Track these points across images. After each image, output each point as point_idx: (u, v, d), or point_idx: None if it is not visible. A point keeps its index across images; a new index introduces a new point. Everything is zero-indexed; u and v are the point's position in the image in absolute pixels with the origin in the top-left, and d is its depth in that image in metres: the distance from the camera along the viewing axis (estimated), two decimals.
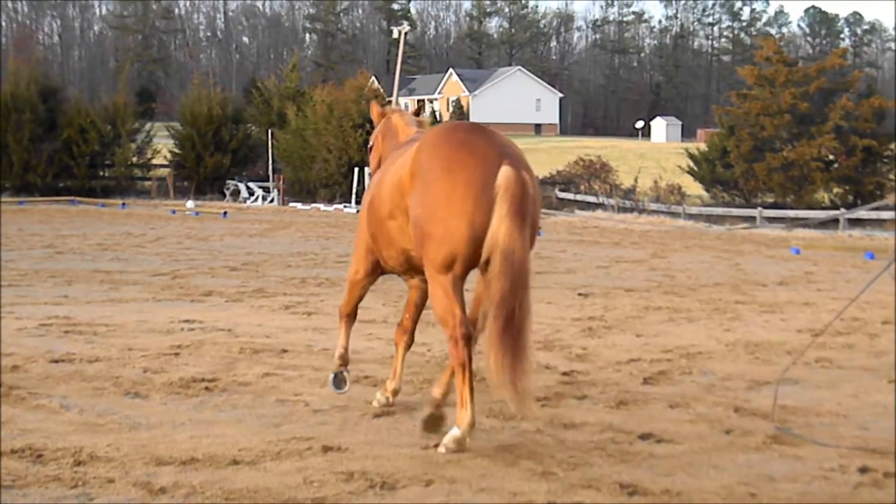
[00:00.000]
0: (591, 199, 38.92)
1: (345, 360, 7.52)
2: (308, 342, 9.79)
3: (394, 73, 41.18)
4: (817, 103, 38.75)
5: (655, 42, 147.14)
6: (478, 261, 6.09)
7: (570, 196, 39.76)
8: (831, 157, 37.80)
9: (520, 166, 6.06)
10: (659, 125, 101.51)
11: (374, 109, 8.36)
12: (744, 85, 43.44)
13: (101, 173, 43.57)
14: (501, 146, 6.20)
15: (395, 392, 7.40)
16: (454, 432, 6.25)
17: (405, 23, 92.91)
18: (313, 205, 38.57)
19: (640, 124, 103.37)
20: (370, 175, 8.82)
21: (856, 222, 32.04)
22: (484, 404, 7.29)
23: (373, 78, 54.08)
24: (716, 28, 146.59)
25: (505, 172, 5.97)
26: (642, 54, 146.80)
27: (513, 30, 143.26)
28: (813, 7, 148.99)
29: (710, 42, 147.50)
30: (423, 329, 10.83)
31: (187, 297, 12.96)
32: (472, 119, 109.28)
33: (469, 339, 6.26)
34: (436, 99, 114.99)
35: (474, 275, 6.40)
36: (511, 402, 5.94)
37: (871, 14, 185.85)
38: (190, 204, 37.05)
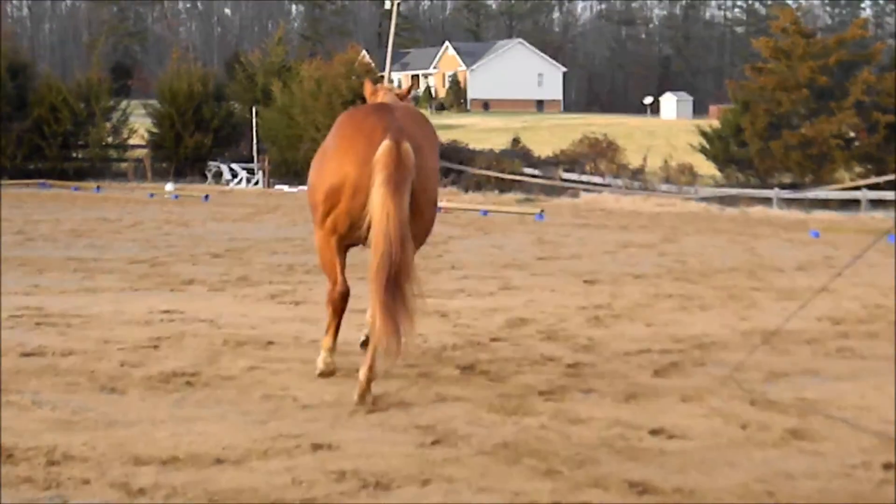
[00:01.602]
0: (597, 180, 38.93)
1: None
2: (296, 333, 9.78)
3: (386, 47, 41.10)
4: (837, 77, 38.75)
5: (665, 12, 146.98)
6: (361, 225, 7.22)
7: (574, 177, 39.78)
8: (852, 134, 37.85)
9: (402, 140, 7.13)
10: (669, 101, 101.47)
11: (368, 87, 8.99)
12: (759, 58, 43.47)
13: (75, 154, 43.58)
14: (392, 123, 7.28)
15: (365, 342, 8.43)
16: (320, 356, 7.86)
17: None
18: (300, 187, 38.53)
19: (648, 100, 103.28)
20: None
21: (878, 203, 32.06)
22: (483, 399, 7.29)
23: (363, 52, 54.07)
24: None
25: (383, 146, 7.10)
26: (651, 25, 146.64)
27: (512, 0, 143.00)
28: None
29: (722, 12, 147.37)
30: (419, 319, 10.82)
31: (167, 286, 12.94)
32: (471, 96, 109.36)
33: (344, 294, 7.71)
34: (431, 74, 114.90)
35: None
36: (393, 355, 6.96)
37: None
38: (169, 187, 37.02)
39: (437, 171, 7.91)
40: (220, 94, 45.94)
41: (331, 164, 7.48)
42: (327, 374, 7.89)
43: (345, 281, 7.72)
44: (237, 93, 46.97)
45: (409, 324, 6.98)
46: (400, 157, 7.10)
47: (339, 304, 7.77)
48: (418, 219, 7.36)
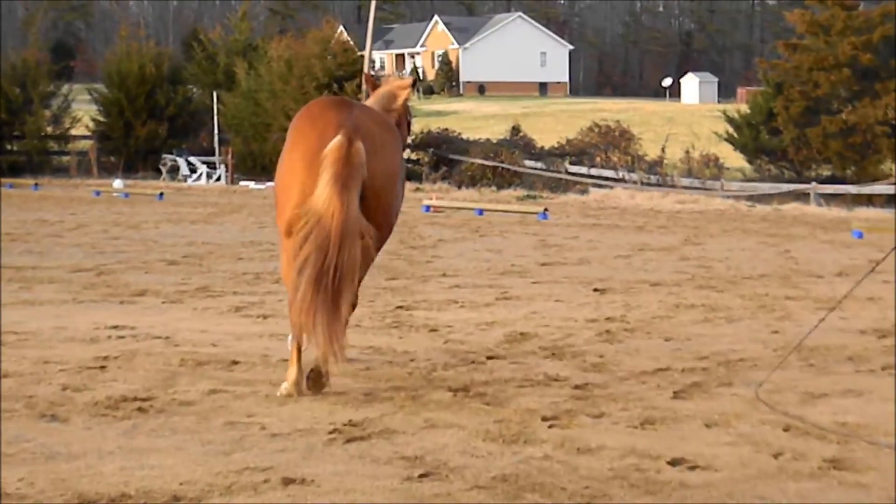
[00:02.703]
0: (609, 173, 38.96)
1: None
2: (264, 351, 9.78)
3: (366, 22, 41.14)
4: (882, 55, 38.82)
5: None
6: None
7: (582, 170, 39.81)
8: None
9: (354, 138, 7.71)
10: (690, 83, 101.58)
11: (369, 82, 9.91)
12: (793, 33, 43.58)
13: (9, 147, 43.51)
14: (347, 118, 7.87)
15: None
16: (283, 386, 8.13)
17: None
18: (269, 184, 38.48)
19: (667, 82, 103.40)
20: None
21: None
22: (479, 426, 7.30)
23: (341, 28, 54.08)
24: None
25: (332, 142, 7.69)
26: None
27: None
28: None
29: None
30: (406, 334, 10.86)
31: (115, 298, 12.93)
32: (464, 79, 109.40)
33: None
34: (418, 53, 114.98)
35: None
36: (322, 361, 7.76)
37: None
38: (118, 183, 36.99)
39: (395, 177, 8.31)
40: (176, 76, 45.91)
41: (284, 160, 8.08)
42: (287, 395, 8.11)
43: None
44: (196, 75, 46.97)
45: (337, 331, 7.60)
46: (349, 155, 7.67)
47: None
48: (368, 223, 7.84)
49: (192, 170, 41.58)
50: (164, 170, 42.20)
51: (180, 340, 10.28)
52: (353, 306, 8.41)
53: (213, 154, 42.44)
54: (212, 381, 8.60)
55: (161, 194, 33.42)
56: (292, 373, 8.13)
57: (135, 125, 43.49)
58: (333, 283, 7.57)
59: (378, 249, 8.27)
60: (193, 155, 42.81)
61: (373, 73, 43.20)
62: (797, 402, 8.21)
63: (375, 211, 7.97)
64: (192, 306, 12.45)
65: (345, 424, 7.31)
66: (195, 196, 34.74)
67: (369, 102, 9.46)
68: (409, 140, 10.74)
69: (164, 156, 42.84)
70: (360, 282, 8.21)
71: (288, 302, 8.16)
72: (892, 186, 33.30)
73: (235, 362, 9.30)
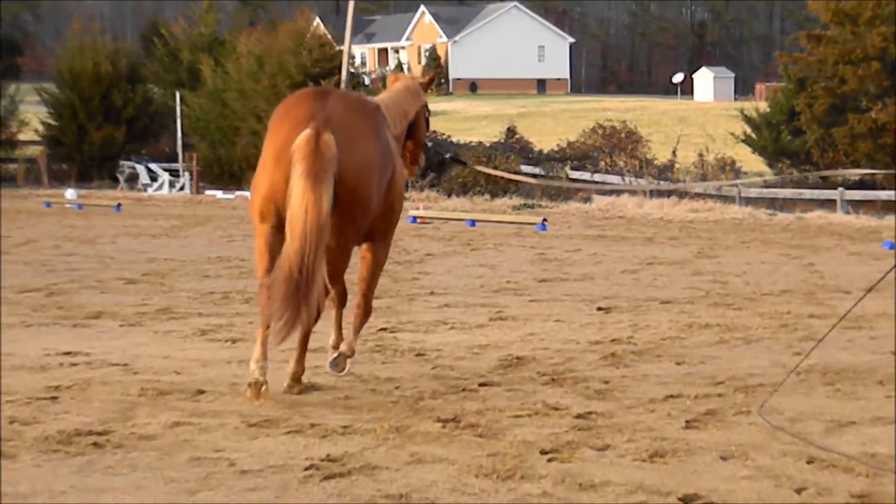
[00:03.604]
0: (615, 179, 39.01)
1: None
2: (232, 379, 9.77)
3: (345, 13, 41.16)
4: None
5: None
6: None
7: (585, 176, 39.84)
8: None
9: (324, 129, 8.45)
10: (704, 79, 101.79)
11: (390, 77, 11.02)
12: (817, 23, 43.63)
13: None
14: (319, 110, 8.62)
15: (336, 345, 9.89)
16: (251, 367, 8.76)
17: None
18: (238, 193, 38.51)
19: (678, 78, 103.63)
20: None
21: None
22: (471, 460, 7.31)
23: (317, 20, 54.09)
24: None
25: (301, 136, 8.43)
26: None
27: None
28: None
29: None
30: (390, 360, 10.87)
31: (68, 321, 12.91)
32: (454, 75, 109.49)
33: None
34: (403, 48, 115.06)
35: None
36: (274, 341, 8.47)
37: None
38: (70, 194, 36.97)
39: (373, 168, 8.94)
40: (134, 75, 45.93)
41: (261, 154, 8.91)
42: (255, 386, 8.71)
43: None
44: (157, 73, 47.00)
45: (302, 330, 8.63)
46: (318, 148, 8.43)
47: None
48: (342, 220, 8.71)
49: (153, 178, 41.56)
50: (121, 178, 42.18)
51: (140, 368, 10.27)
52: (367, 313, 9.97)
53: (176, 160, 42.42)
54: (175, 412, 8.60)
55: (118, 205, 33.39)
56: (257, 351, 8.73)
57: (89, 129, 43.48)
58: (306, 275, 8.30)
59: (350, 242, 9.19)
60: (154, 161, 42.79)
61: (352, 70, 43.16)
62: (822, 431, 8.23)
63: (350, 205, 8.73)
64: (152, 329, 12.44)
65: (322, 460, 7.32)
66: (156, 207, 34.71)
67: (385, 97, 10.27)
68: (427, 142, 11.18)
69: (122, 163, 42.83)
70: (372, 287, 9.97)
71: (259, 287, 8.95)
72: None
73: (201, 391, 9.30)
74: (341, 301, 10.04)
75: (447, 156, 25.36)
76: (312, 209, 8.34)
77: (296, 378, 9.17)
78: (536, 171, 40.33)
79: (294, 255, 8.35)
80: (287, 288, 8.32)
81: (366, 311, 10.01)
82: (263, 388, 8.68)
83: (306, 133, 8.48)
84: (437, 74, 10.79)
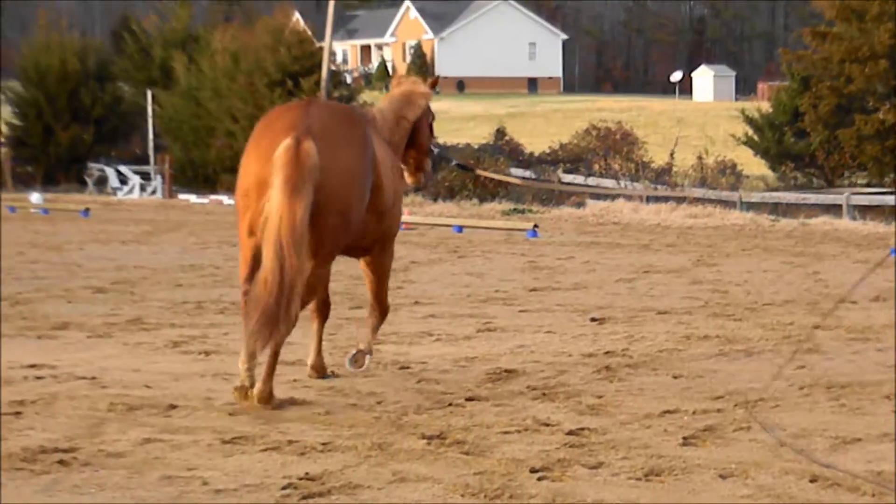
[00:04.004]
0: (609, 183, 39.06)
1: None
2: (206, 394, 9.77)
3: (326, 8, 41.14)
4: None
5: None
6: None
7: (578, 180, 39.89)
8: None
9: (304, 138, 8.90)
10: (704, 77, 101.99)
11: (394, 80, 11.54)
12: (822, 20, 43.72)
13: None
14: (302, 119, 9.11)
15: (315, 367, 10.34)
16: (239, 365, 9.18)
17: None
18: (213, 197, 38.51)
19: (676, 76, 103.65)
20: None
21: None
22: (457, 479, 7.32)
23: (297, 15, 54.05)
24: None
25: (281, 146, 8.87)
26: None
27: None
28: None
29: None
30: (372, 373, 10.86)
31: (33, 332, 12.89)
32: (440, 74, 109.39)
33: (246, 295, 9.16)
34: (387, 44, 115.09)
35: None
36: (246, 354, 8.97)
37: None
38: (36, 198, 36.89)
39: (355, 176, 9.36)
40: (103, 72, 45.86)
41: (243, 163, 9.32)
42: (241, 390, 9.15)
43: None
44: (127, 71, 46.94)
45: (273, 339, 8.88)
46: (298, 157, 8.86)
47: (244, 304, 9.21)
48: (322, 228, 9.12)
49: (123, 181, 41.52)
50: (89, 181, 42.13)
51: (108, 381, 10.26)
52: (383, 314, 10.74)
53: (148, 162, 42.41)
54: (145, 428, 8.59)
55: (86, 210, 33.33)
56: (243, 353, 9.11)
57: (56, 129, 43.42)
58: (283, 286, 8.72)
59: (329, 249, 9.49)
60: (124, 164, 42.76)
61: (333, 67, 43.14)
62: (826, 448, 8.25)
63: (328, 212, 9.14)
64: (122, 341, 12.42)
65: (301, 478, 7.32)
66: (126, 212, 34.66)
67: (383, 105, 10.88)
68: (434, 148, 11.59)
69: (90, 165, 42.77)
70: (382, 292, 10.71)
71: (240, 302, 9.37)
72: None
73: (173, 406, 9.29)
74: (322, 313, 10.35)
75: (454, 163, 25.55)
76: (287, 219, 8.75)
77: (262, 399, 9.08)
78: (527, 174, 40.36)
79: (271, 266, 8.73)
80: (265, 300, 8.69)
81: (381, 312, 10.71)
82: (250, 392, 9.04)
83: (287, 142, 8.91)
84: (436, 79, 10.82)
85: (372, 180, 9.57)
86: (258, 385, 9.08)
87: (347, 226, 9.42)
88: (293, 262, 8.72)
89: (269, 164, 8.92)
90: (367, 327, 10.69)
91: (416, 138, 11.05)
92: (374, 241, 10.24)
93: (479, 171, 32.16)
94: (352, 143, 9.41)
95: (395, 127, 10.66)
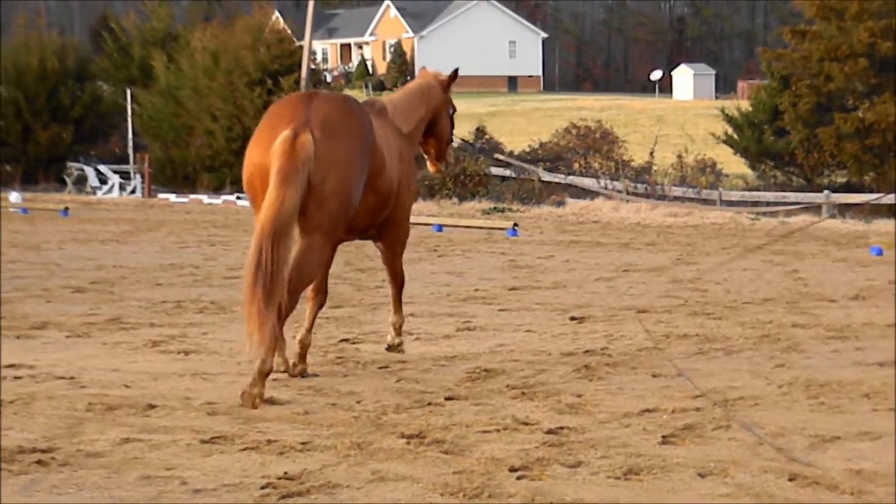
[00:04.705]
0: (589, 182, 39.06)
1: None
2: (185, 393, 9.76)
3: (306, 7, 41.10)
4: None
5: None
6: None
7: (558, 179, 39.89)
8: None
9: (302, 130, 9.38)
10: (683, 76, 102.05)
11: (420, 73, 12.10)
12: (801, 18, 43.82)
13: None
14: (303, 112, 9.55)
15: (301, 342, 10.51)
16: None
17: None
18: (192, 196, 38.44)
19: (656, 75, 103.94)
20: None
21: None
22: (436, 478, 7.32)
23: (276, 14, 54.03)
24: None
25: (280, 137, 9.37)
26: None
27: None
28: None
29: None
30: (352, 372, 10.87)
31: (11, 332, 12.85)
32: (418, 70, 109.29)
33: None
34: (367, 43, 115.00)
35: None
36: (249, 351, 9.21)
37: None
38: (14, 197, 36.81)
39: (351, 165, 9.71)
40: (83, 71, 45.76)
41: (247, 153, 9.76)
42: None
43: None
44: (107, 70, 46.86)
45: (265, 322, 9.08)
46: (294, 148, 9.34)
47: None
48: (321, 211, 9.56)
49: (103, 180, 41.42)
50: (69, 181, 42.02)
51: (87, 381, 10.24)
52: (399, 285, 11.56)
53: (127, 162, 42.31)
54: (124, 428, 8.57)
55: (65, 209, 33.26)
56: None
57: (34, 129, 43.29)
58: (268, 274, 9.10)
59: (322, 232, 9.76)
60: (104, 163, 42.65)
61: (313, 66, 43.11)
62: (805, 447, 8.26)
63: (327, 196, 9.55)
64: (101, 341, 12.40)
65: (280, 478, 7.31)
66: (105, 211, 34.58)
67: (396, 97, 11.42)
68: (453, 141, 12.30)
69: (70, 164, 42.66)
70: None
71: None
72: None
73: (152, 406, 9.27)
74: (317, 299, 10.70)
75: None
76: (273, 205, 9.22)
77: (262, 374, 9.26)
78: (507, 172, 40.37)
79: (253, 249, 9.19)
80: (249, 281, 9.16)
81: (397, 283, 11.56)
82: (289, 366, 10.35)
83: (285, 134, 9.42)
84: (455, 72, 11.06)
85: (372, 166, 10.05)
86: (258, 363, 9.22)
87: (346, 210, 9.79)
88: (272, 246, 9.10)
89: (268, 154, 9.42)
90: (391, 304, 11.56)
91: (435, 129, 11.72)
92: (385, 221, 10.85)
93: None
94: (350, 133, 9.77)
95: (408, 117, 11.16)
